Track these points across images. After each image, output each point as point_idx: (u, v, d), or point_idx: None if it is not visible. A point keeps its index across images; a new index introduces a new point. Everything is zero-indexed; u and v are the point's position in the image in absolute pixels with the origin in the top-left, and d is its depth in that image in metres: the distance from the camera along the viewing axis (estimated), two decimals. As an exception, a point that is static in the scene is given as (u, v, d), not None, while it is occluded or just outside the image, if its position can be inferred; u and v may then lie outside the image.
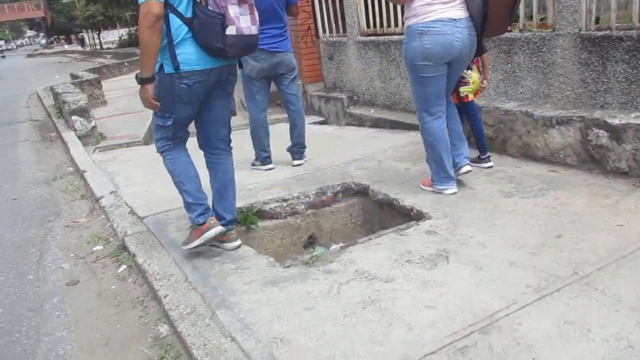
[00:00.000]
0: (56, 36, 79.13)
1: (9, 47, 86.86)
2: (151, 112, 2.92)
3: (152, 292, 2.78)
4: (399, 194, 3.53)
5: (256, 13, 2.68)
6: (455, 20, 3.12)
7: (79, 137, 7.54)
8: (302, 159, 4.58)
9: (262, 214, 3.73)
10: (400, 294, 2.32)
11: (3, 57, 53.99)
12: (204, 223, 2.86)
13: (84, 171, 5.37)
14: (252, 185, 4.15)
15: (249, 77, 4.35)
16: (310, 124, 7.32)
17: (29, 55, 57.20)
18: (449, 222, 3.00)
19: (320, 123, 7.60)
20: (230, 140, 3.09)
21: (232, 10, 2.53)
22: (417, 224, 3.04)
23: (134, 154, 6.44)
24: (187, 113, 2.83)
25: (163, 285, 2.69)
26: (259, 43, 2.90)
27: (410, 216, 3.32)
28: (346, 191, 3.94)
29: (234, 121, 3.38)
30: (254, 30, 2.65)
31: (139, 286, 2.95)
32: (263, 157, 4.57)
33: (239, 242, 3.05)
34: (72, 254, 3.56)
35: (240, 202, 3.69)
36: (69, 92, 9.07)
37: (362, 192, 3.89)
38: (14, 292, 3.11)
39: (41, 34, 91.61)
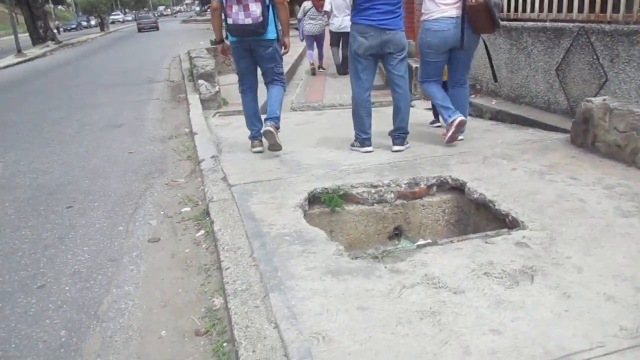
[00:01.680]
0: (209, 5, 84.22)
1: (166, 13, 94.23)
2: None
3: (218, 262, 2.76)
4: (497, 196, 3.18)
5: (252, 8, 3.99)
6: (453, 18, 4.18)
7: (202, 101, 7.90)
8: (402, 145, 4.33)
9: (348, 198, 3.58)
10: (467, 310, 2.05)
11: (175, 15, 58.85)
12: (251, 140, 4.69)
13: (195, 133, 5.57)
14: (344, 166, 4.00)
15: (355, 54, 4.16)
16: (427, 109, 7.00)
17: (183, 22, 61.58)
18: (546, 235, 2.62)
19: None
20: (274, 80, 4.52)
21: (234, 8, 4.03)
22: (509, 233, 2.70)
23: None
24: (240, 66, 4.49)
25: (228, 257, 2.66)
26: (368, 19, 4.05)
27: (505, 222, 2.97)
28: (441, 185, 3.65)
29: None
30: (247, 21, 4.03)
31: (210, 254, 2.96)
32: (362, 138, 4.39)
33: (260, 148, 4.62)
34: (162, 212, 3.68)
35: (328, 182, 3.58)
36: (201, 57, 9.52)
37: (458, 188, 3.58)
38: (103, 240, 3.28)
39: (196, 1, 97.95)
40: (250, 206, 3.32)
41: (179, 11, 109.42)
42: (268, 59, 4.33)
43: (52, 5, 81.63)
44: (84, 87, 10.83)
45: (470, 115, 6.52)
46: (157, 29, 41.68)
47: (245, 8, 3.96)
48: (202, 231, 3.24)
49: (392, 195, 3.60)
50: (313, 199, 3.57)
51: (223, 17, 4.14)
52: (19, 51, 21.84)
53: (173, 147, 5.46)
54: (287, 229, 2.93)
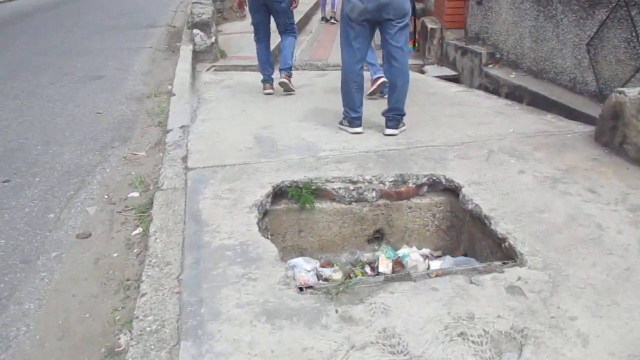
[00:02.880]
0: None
1: None
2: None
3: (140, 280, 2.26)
4: (496, 210, 2.60)
5: None
6: None
7: (197, 52, 7.28)
8: (396, 127, 3.72)
9: (322, 194, 3.03)
10: (426, 397, 1.53)
11: None
12: (263, 83, 5.05)
13: (173, 94, 5.00)
14: (324, 151, 3.43)
15: (347, 18, 3.51)
16: (437, 77, 6.32)
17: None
18: (548, 279, 2.06)
19: (450, 79, 6.52)
20: (287, 30, 5.00)
21: None
22: (501, 270, 2.14)
23: (241, 80, 6.01)
24: (256, 19, 4.88)
25: (150, 277, 2.15)
26: None
27: (501, 248, 2.41)
28: (433, 185, 3.07)
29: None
30: None
31: (138, 263, 2.46)
32: (351, 117, 3.79)
33: (271, 91, 5.04)
34: (106, 196, 3.18)
35: (300, 173, 3.04)
36: (200, 3, 8.76)
37: (452, 190, 3.00)
38: (25, 232, 2.80)
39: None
40: (201, 201, 2.79)
41: None
42: (282, 12, 4.81)
43: None
44: (80, 29, 10.18)
45: (485, 88, 5.84)
46: None
47: None
48: (140, 229, 2.73)
49: (374, 194, 3.04)
50: (280, 193, 3.03)
51: None
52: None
53: (148, 109, 4.90)
54: (233, 240, 2.41)
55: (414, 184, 3.05)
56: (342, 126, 3.90)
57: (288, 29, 4.99)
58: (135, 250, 2.57)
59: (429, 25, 7.27)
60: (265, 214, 2.85)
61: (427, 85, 5.59)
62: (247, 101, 4.94)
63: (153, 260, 2.27)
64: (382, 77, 4.43)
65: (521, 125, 3.85)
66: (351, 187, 3.03)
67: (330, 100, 4.54)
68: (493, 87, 5.72)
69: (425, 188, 3.07)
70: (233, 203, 2.75)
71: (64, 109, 4.92)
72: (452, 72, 6.76)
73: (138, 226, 2.77)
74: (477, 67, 6.21)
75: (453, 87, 5.45)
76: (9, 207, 3.06)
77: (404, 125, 3.81)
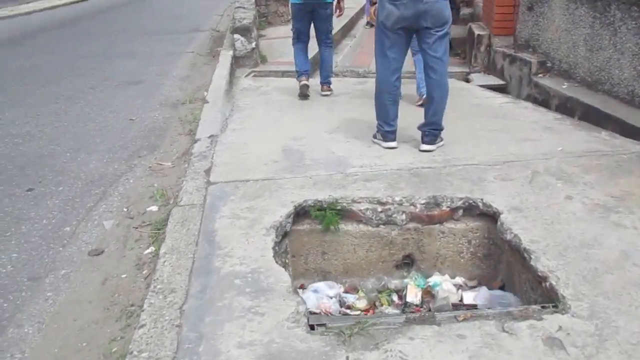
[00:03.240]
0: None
1: None
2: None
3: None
4: (538, 243, 2.33)
5: None
6: None
7: (237, 58, 7.21)
8: (433, 143, 3.48)
9: (347, 214, 2.83)
10: None
11: None
12: (298, 76, 5.08)
13: (207, 102, 4.90)
14: (354, 168, 3.23)
15: (382, 26, 3.30)
16: (483, 86, 5.99)
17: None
18: (594, 330, 1.79)
19: (496, 88, 6.18)
20: (327, 39, 5.10)
21: None
22: (540, 317, 1.88)
23: (279, 86, 5.90)
24: (298, 25, 4.99)
25: (151, 306, 2.01)
26: None
27: (541, 286, 2.15)
28: (469, 209, 2.82)
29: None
30: None
31: (144, 287, 2.32)
32: (384, 131, 3.57)
33: (306, 83, 5.07)
34: (125, 209, 3.09)
35: (325, 192, 2.85)
36: (243, 8, 8.71)
37: (490, 216, 2.74)
38: (39, 245, 2.73)
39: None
40: (217, 220, 2.64)
41: None
42: (325, 18, 4.93)
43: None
44: (128, 33, 10.34)
45: (534, 99, 5.49)
46: None
47: None
48: (152, 248, 2.60)
49: (404, 216, 2.81)
50: (303, 212, 2.85)
51: None
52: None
53: (181, 116, 4.83)
54: (244, 266, 2.24)
55: (447, 207, 2.80)
56: (375, 140, 3.69)
57: (328, 38, 5.10)
58: (144, 272, 2.44)
59: (476, 32, 6.94)
60: (285, 235, 2.67)
61: (470, 95, 5.29)
62: (282, 109, 4.80)
63: (158, 286, 2.13)
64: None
65: (571, 143, 3.53)
66: (379, 209, 2.81)
67: (366, 111, 4.32)
68: (542, 98, 5.37)
69: (460, 212, 2.82)
70: (250, 224, 2.58)
71: (99, 115, 4.91)
72: (499, 82, 6.42)
73: (151, 244, 2.65)
74: (526, 77, 5.86)
75: (498, 98, 5.14)
76: (28, 218, 3.00)
77: (441, 140, 3.56)
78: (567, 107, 4.85)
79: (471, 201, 2.79)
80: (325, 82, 5.22)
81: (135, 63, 7.26)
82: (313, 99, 5.13)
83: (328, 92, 5.20)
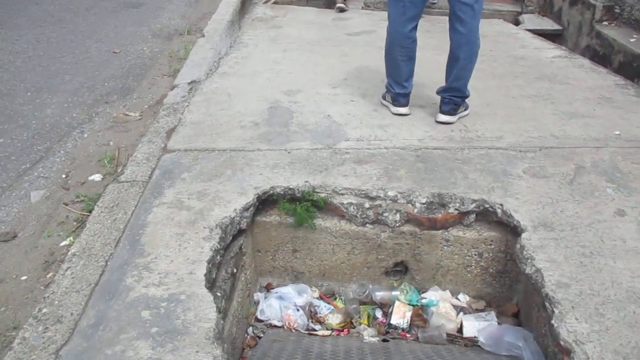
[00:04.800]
0: None
1: None
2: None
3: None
4: (568, 287, 1.68)
5: None
6: None
7: (259, -20, 6.40)
8: (453, 114, 2.76)
9: (326, 206, 2.22)
10: None
11: None
12: None
13: (202, 36, 4.21)
14: (347, 142, 2.58)
15: (398, -42, 2.50)
16: (534, 32, 5.06)
17: None
18: None
19: (550, 35, 5.24)
20: None
21: None
22: None
23: (297, 18, 5.20)
24: None
25: (23, 344, 1.49)
26: None
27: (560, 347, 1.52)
28: (483, 215, 2.16)
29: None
30: None
31: (35, 302, 1.79)
32: (395, 93, 2.86)
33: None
34: (63, 175, 2.54)
35: (302, 176, 2.27)
36: None
37: (511, 227, 2.08)
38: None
39: None
40: (154, 208, 2.07)
41: None
42: None
43: None
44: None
45: (594, 52, 4.58)
46: None
47: None
48: (68, 240, 2.07)
49: (398, 217, 2.18)
50: (271, 200, 2.25)
51: None
52: None
53: (172, 51, 4.18)
54: (163, 288, 1.68)
55: (456, 210, 2.15)
56: (384, 101, 2.99)
57: None
58: (48, 275, 1.92)
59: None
60: (239, 233, 2.09)
61: (516, 44, 4.43)
62: (288, 49, 4.09)
63: (44, 310, 1.61)
64: None
65: (634, 125, 2.75)
66: (367, 205, 2.18)
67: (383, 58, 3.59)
68: (604, 52, 4.47)
69: (472, 217, 2.17)
70: (193, 218, 2.00)
71: (81, 44, 4.31)
72: (554, 26, 5.45)
73: (71, 233, 2.11)
74: (587, 23, 4.90)
75: (549, 50, 4.26)
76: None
77: (465, 109, 2.84)
78: (633, 68, 3.97)
79: (487, 206, 2.12)
80: None
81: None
82: (331, 38, 4.40)
83: (343, 5, 5.57)
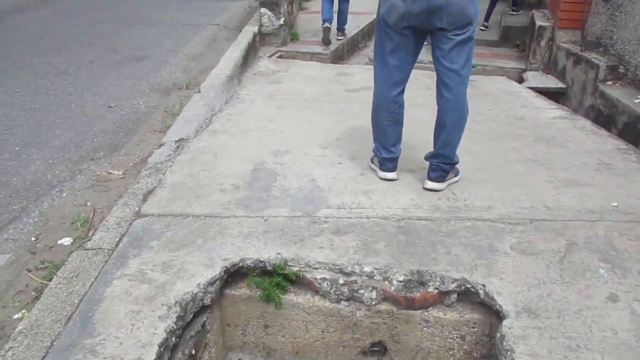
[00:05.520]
0: None
1: None
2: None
3: None
4: (547, 389, 1.51)
5: None
6: None
7: (263, 35, 6.53)
8: (442, 181, 2.65)
9: (298, 281, 2.09)
10: None
11: None
12: (323, 22, 6.48)
13: (198, 91, 4.20)
14: (328, 209, 2.47)
15: (383, 22, 2.46)
16: (536, 90, 5.00)
17: None
18: None
19: (553, 92, 5.19)
20: None
21: None
22: None
23: (300, 73, 5.24)
24: None
25: None
26: None
27: None
28: (465, 295, 2.01)
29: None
30: None
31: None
32: (382, 158, 2.76)
33: (329, 25, 6.41)
34: (33, 238, 2.46)
35: (275, 248, 2.17)
36: (279, -23, 7.92)
37: (493, 311, 1.93)
38: None
39: None
40: (114, 281, 1.96)
41: None
42: None
43: None
44: (163, -4, 9.76)
45: (598, 112, 4.49)
46: None
47: None
48: (23, 312, 1.95)
49: (374, 294, 2.04)
50: (239, 273, 2.13)
51: None
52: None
53: (168, 106, 4.17)
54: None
55: (435, 289, 2.01)
56: (372, 164, 2.90)
57: None
58: (-7, 354, 1.79)
59: (538, 22, 5.87)
60: (197, 313, 1.96)
61: (516, 103, 4.35)
62: (284, 106, 4.07)
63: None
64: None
65: (633, 195, 2.62)
66: (341, 281, 2.05)
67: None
68: (608, 112, 4.38)
69: (453, 296, 2.02)
70: (153, 293, 1.89)
71: (79, 97, 4.32)
72: (558, 85, 5.40)
73: (25, 306, 2.00)
74: (591, 83, 4.83)
75: (551, 110, 4.16)
76: None
77: (455, 175, 2.73)
78: (637, 129, 3.86)
79: (469, 286, 1.98)
80: (340, 29, 6.80)
81: (151, 34, 6.65)
82: (330, 94, 4.37)
83: (342, 37, 6.82)
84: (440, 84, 2.46)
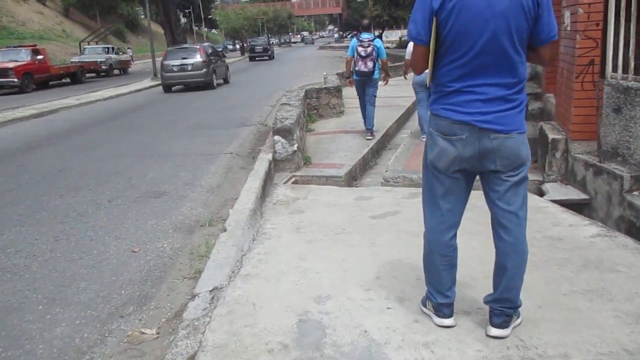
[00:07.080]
0: (349, 32, 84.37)
1: (295, 40, 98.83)
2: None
3: None
4: None
5: (368, 63, 7.57)
6: None
7: (277, 161, 6.58)
8: (506, 326, 2.46)
9: None
10: None
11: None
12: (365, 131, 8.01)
13: (225, 229, 4.10)
14: (390, 371, 2.24)
15: (432, 166, 2.41)
16: (560, 203, 4.92)
17: (321, 47, 62.55)
18: None
19: (577, 204, 5.11)
20: (371, 101, 8.15)
21: (359, 62, 7.58)
22: None
23: (319, 200, 5.21)
24: (359, 92, 8.24)
25: None
26: (459, 110, 2.28)
27: None
28: None
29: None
30: (364, 69, 7.60)
31: None
32: (437, 303, 2.59)
33: (369, 137, 7.97)
34: None
35: None
36: (288, 105, 8.21)
37: None
38: None
39: (336, 29, 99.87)
40: None
41: (322, 37, 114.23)
42: (371, 87, 7.83)
43: (206, 29, 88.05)
44: (174, 126, 10.08)
45: (629, 223, 4.37)
46: (270, 57, 38.09)
47: (365, 63, 7.49)
48: None
49: None
50: None
51: (353, 65, 7.70)
52: (155, 75, 22.66)
53: (193, 247, 4.05)
54: None
55: None
56: (425, 309, 2.71)
57: (372, 100, 7.92)
58: None
59: (550, 135, 5.95)
60: None
61: (547, 221, 4.25)
62: (312, 240, 3.95)
63: None
64: None
65: None
66: None
67: (415, 245, 3.33)
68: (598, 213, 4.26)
69: None
70: None
71: (100, 242, 4.21)
72: (580, 196, 5.33)
73: None
74: (616, 194, 4.77)
75: (585, 228, 4.05)
76: None
77: (518, 317, 2.54)
78: (636, 230, 3.71)
79: None
80: (369, 129, 8.04)
81: (167, 167, 6.71)
82: (355, 222, 4.28)
83: (370, 137, 7.99)
84: (498, 227, 2.36)
